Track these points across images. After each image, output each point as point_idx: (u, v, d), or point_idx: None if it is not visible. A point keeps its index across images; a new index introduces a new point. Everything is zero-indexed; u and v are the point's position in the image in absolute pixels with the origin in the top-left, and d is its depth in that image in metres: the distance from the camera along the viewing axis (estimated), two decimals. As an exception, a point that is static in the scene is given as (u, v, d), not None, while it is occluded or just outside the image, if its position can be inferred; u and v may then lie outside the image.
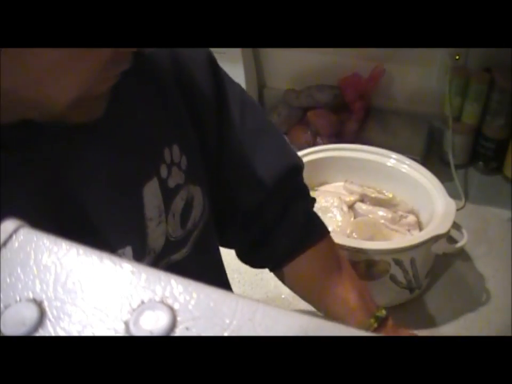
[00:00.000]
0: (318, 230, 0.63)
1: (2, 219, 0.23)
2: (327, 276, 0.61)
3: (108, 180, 0.43)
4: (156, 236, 0.47)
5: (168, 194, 0.48)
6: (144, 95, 0.47)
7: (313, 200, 0.63)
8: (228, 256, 0.66)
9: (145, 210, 0.46)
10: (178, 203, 0.49)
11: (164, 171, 0.47)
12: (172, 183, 0.48)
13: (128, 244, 0.45)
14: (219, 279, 0.62)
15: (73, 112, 0.36)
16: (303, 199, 0.62)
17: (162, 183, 0.47)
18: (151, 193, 0.46)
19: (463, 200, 1.02)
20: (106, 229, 0.43)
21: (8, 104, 0.34)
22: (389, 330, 0.59)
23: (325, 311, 0.63)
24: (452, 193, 0.86)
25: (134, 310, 0.21)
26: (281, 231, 0.59)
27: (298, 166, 0.60)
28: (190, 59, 0.51)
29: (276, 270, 0.63)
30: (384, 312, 0.61)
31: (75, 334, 0.20)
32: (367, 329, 0.58)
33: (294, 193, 0.60)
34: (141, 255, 0.46)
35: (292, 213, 0.59)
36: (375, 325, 0.59)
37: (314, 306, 0.66)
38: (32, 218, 0.38)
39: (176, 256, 0.51)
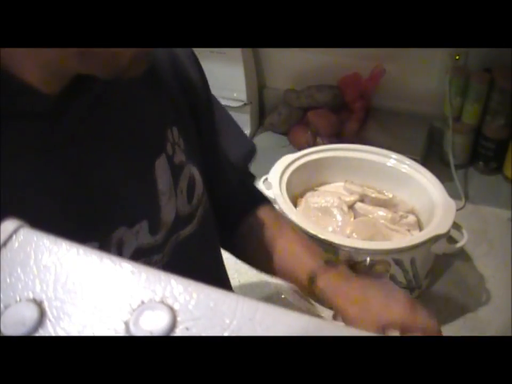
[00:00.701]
0: (261, 196, 0.71)
1: (2, 219, 0.23)
2: (271, 233, 0.65)
3: (125, 155, 0.46)
4: (168, 210, 0.50)
5: (175, 170, 0.51)
6: (147, 81, 0.50)
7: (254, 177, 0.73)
8: (228, 258, 0.67)
9: (158, 184, 0.49)
10: (183, 179, 0.53)
11: (169, 148, 0.51)
12: (176, 160, 0.52)
13: (145, 217, 0.47)
14: (219, 259, 0.66)
15: (130, 67, 0.39)
16: (252, 175, 0.72)
17: (169, 159, 0.50)
18: (161, 168, 0.49)
19: (463, 200, 1.02)
20: (125, 202, 0.46)
21: (75, 64, 0.37)
22: (341, 272, 0.59)
23: (277, 270, 0.64)
24: (452, 193, 0.86)
25: (134, 310, 0.21)
26: (238, 199, 0.68)
27: (255, 149, 0.71)
28: (182, 54, 0.56)
29: (228, 242, 0.68)
30: (332, 256, 0.63)
31: (75, 334, 0.20)
32: (318, 271, 0.59)
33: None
34: (156, 230, 0.49)
35: (247, 185, 0.71)
36: (325, 266, 0.59)
37: (267, 271, 0.67)
38: (57, 189, 0.40)
39: (185, 232, 0.54)
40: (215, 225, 0.62)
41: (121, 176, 0.46)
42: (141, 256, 0.48)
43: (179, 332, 0.20)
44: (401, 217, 0.87)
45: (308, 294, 0.63)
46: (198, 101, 0.57)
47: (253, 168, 1.20)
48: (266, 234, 0.65)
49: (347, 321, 0.56)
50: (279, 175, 0.86)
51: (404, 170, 0.89)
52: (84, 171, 0.42)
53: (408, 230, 0.85)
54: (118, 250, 0.45)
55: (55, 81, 0.39)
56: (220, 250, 0.66)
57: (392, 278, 0.78)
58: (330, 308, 0.59)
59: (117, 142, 0.46)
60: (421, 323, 0.54)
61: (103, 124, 0.44)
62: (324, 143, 1.07)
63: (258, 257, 0.66)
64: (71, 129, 0.41)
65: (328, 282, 0.58)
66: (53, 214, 0.40)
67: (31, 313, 0.21)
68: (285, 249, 0.63)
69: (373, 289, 0.57)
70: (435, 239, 0.75)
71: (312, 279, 0.58)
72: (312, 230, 0.76)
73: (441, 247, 0.78)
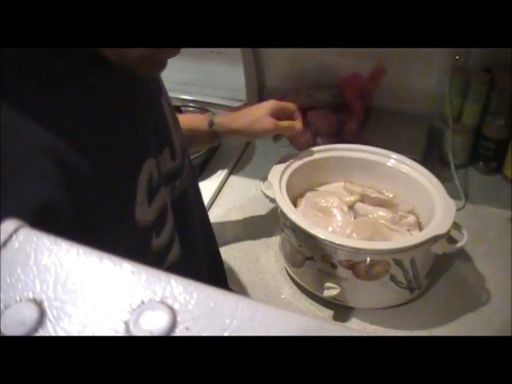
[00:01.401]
0: None
1: (2, 219, 0.23)
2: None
3: (143, 99, 0.56)
4: (176, 140, 0.62)
5: (171, 108, 0.63)
6: None
7: None
8: (228, 260, 0.67)
9: (167, 118, 0.61)
10: (177, 116, 0.66)
11: (164, 91, 0.63)
12: (170, 101, 0.64)
13: (166, 144, 0.60)
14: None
15: (139, 66, 0.46)
16: None
17: (167, 99, 0.63)
18: (165, 106, 0.61)
19: (463, 200, 1.02)
20: (154, 131, 0.57)
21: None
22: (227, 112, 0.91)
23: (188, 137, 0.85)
24: (452, 193, 0.85)
25: (134, 310, 0.21)
26: None
27: None
28: None
29: None
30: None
31: (75, 334, 0.20)
32: (213, 117, 0.88)
33: None
34: (174, 155, 0.61)
35: None
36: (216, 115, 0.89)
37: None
38: (110, 127, 0.50)
39: (186, 161, 0.66)
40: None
41: (147, 113, 0.56)
42: (169, 181, 0.60)
43: (179, 332, 0.20)
44: (401, 217, 0.87)
45: (211, 139, 0.88)
46: None
47: (253, 168, 1.20)
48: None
49: (247, 131, 0.87)
50: (279, 175, 0.86)
51: (403, 170, 0.89)
52: (123, 114, 0.52)
53: (408, 230, 0.85)
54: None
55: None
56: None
57: (392, 278, 0.78)
58: (230, 134, 0.88)
59: (138, 92, 0.55)
60: (285, 104, 0.90)
61: (129, 82, 0.53)
62: (324, 143, 1.07)
63: None
64: (116, 86, 0.50)
65: (221, 117, 0.88)
66: (114, 143, 0.50)
67: (31, 313, 0.21)
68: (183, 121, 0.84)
69: (251, 106, 0.89)
70: (435, 239, 0.75)
71: (211, 123, 0.87)
72: (312, 230, 0.76)
73: (441, 247, 0.78)
